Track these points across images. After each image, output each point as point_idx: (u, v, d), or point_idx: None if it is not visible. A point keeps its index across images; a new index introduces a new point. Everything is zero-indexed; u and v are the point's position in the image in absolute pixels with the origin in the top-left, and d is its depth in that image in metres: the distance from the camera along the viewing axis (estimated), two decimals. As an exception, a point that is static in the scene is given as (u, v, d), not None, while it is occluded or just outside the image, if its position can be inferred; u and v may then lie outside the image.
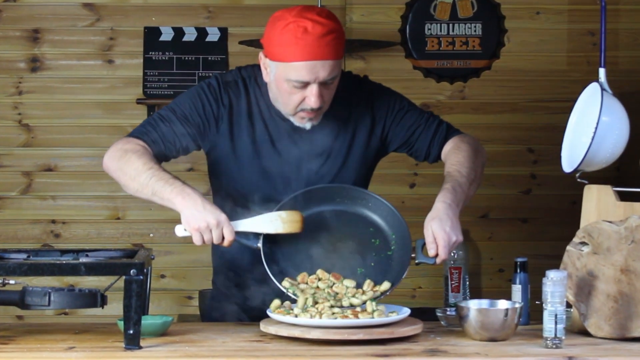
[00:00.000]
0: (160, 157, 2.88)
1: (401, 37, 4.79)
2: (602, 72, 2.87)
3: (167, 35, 4.75)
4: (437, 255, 2.68)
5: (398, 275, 2.75)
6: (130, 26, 4.77)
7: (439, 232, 2.68)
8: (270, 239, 2.74)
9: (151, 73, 4.74)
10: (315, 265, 2.77)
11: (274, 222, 2.71)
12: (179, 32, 4.75)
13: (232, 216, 2.71)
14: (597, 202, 2.78)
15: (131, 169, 2.77)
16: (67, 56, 4.77)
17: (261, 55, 2.88)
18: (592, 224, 2.72)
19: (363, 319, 2.55)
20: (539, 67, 4.82)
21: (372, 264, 2.80)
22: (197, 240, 2.65)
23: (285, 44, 2.77)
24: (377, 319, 2.56)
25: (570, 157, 2.87)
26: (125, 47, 4.77)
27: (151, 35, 4.74)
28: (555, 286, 2.53)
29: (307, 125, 2.88)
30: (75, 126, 4.78)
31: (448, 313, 2.77)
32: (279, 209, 2.74)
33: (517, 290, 2.82)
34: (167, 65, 4.76)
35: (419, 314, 2.79)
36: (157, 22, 4.74)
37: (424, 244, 2.69)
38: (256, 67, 2.94)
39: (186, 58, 4.76)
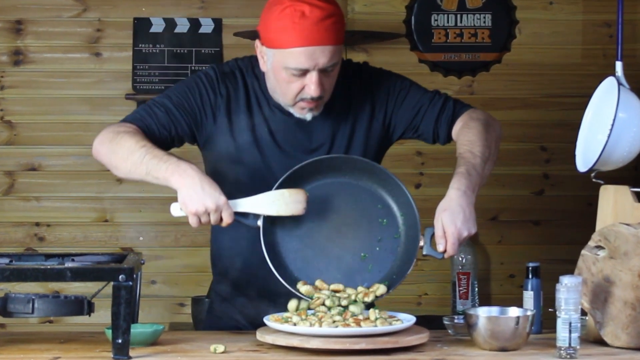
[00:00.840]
0: (158, 143, 2.85)
1: (406, 28, 4.80)
2: (619, 65, 2.88)
3: (157, 26, 4.76)
4: (445, 250, 2.70)
5: (404, 267, 2.76)
6: (119, 17, 4.77)
7: (450, 226, 2.68)
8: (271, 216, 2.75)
9: (141, 67, 4.74)
10: (318, 246, 2.80)
11: (275, 202, 2.71)
12: (170, 23, 4.76)
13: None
14: (614, 204, 2.78)
15: (123, 150, 2.77)
16: (52, 49, 4.77)
17: (257, 43, 2.89)
18: (608, 226, 2.72)
19: (365, 328, 2.55)
20: (552, 61, 4.84)
21: (377, 248, 2.81)
22: (193, 223, 2.67)
23: (283, 30, 2.78)
24: (381, 328, 2.56)
25: (585, 156, 2.88)
26: (113, 39, 4.78)
27: (141, 26, 4.74)
28: (569, 292, 2.54)
29: (308, 116, 2.89)
30: (61, 123, 4.78)
31: (456, 321, 2.78)
32: (282, 182, 2.75)
33: (529, 297, 2.82)
34: (158, 59, 4.76)
35: (425, 322, 2.81)
36: (147, 13, 4.75)
37: (434, 233, 2.71)
38: (254, 58, 2.95)
39: (178, 51, 4.76)
